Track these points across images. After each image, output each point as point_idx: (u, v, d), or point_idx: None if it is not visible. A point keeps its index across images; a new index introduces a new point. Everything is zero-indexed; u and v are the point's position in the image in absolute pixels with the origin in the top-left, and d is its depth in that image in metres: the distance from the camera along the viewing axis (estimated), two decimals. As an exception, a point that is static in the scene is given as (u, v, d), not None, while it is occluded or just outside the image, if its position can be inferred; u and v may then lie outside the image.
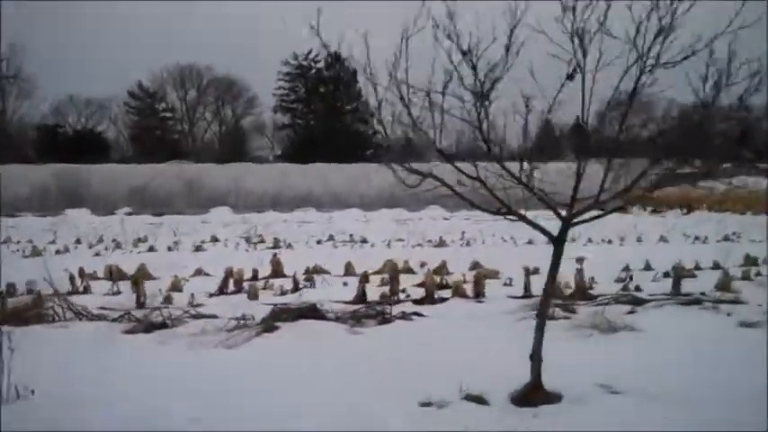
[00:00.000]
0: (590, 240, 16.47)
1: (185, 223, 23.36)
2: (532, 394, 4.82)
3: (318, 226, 21.92)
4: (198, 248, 14.70)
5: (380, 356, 5.88)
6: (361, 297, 8.25)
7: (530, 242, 15.90)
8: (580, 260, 8.72)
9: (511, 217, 4.88)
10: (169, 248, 14.98)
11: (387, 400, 4.78)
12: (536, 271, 10.54)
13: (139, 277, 8.46)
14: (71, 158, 34.83)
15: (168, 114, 67.73)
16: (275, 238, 16.15)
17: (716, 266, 10.93)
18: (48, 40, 68.58)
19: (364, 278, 8.83)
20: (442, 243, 15.46)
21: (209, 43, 78.08)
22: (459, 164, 4.91)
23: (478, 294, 8.71)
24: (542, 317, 4.91)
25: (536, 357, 4.89)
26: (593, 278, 9.60)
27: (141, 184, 29.46)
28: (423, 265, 10.72)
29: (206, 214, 27.32)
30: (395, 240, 16.67)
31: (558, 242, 4.83)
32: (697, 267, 10.95)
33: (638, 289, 8.97)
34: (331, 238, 16.67)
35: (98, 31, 78.52)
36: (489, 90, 4.54)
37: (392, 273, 8.65)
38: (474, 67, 4.53)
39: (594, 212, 4.94)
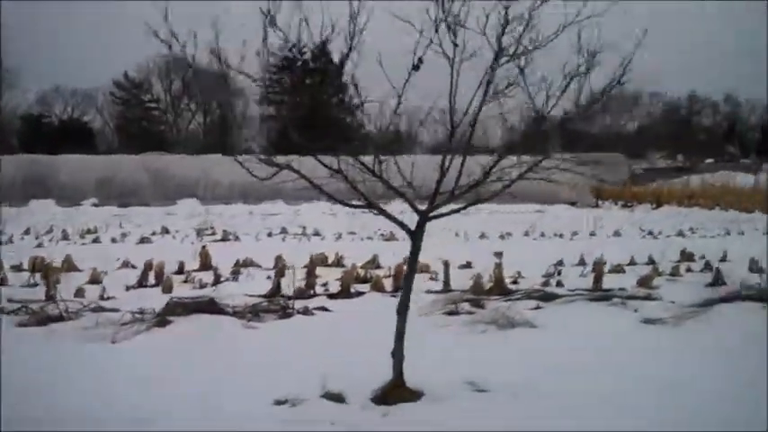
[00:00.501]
0: (542, 234, 16.39)
1: (148, 215, 23.13)
2: (392, 392, 4.73)
3: (283, 218, 21.73)
4: (143, 240, 14.51)
5: (260, 352, 5.79)
6: (274, 291, 8.12)
7: (482, 236, 15.82)
8: (498, 254, 8.61)
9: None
10: (113, 240, 14.78)
11: (242, 398, 4.68)
12: (468, 265, 10.50)
13: (50, 269, 8.29)
14: (56, 149, 34.45)
15: (153, 105, 67.42)
16: (224, 231, 15.98)
17: (650, 261, 10.88)
18: (34, 29, 67.99)
19: (280, 272, 8.70)
20: (392, 237, 15.35)
21: (196, 35, 77.51)
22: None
23: (398, 289, 8.58)
24: (402, 313, 4.82)
25: (397, 355, 4.80)
26: (519, 272, 9.53)
27: (110, 175, 29.15)
28: (340, 259, 10.54)
29: (173, 206, 27.05)
30: (347, 233, 16.52)
31: (415, 236, 4.73)
32: (631, 263, 10.88)
33: (559, 284, 8.90)
34: (283, 230, 16.49)
35: (85, 21, 77.97)
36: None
37: (310, 266, 8.52)
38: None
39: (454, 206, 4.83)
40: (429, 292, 8.44)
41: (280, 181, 4.64)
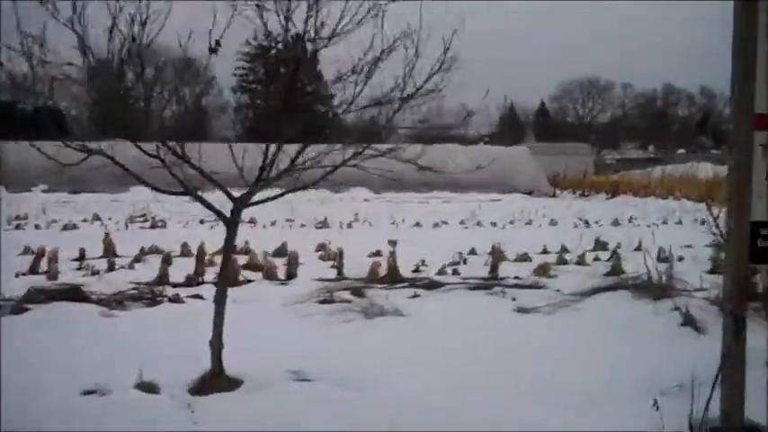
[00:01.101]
0: (479, 223, 16.35)
1: (94, 202, 22.80)
2: (210, 382, 4.61)
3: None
4: (66, 227, 14.25)
5: (104, 340, 5.63)
6: (160, 279, 7.96)
7: (417, 224, 15.74)
8: (393, 243, 8.51)
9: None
10: (37, 227, 14.52)
11: (53, 389, 4.52)
12: (378, 253, 10.39)
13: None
14: (30, 135, 33.84)
15: (127, 93, 66.56)
16: (152, 218, 15.77)
17: (563, 250, 10.84)
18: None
19: (166, 259, 8.54)
20: (324, 224, 15.23)
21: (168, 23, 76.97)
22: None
23: (290, 276, 8.48)
24: (219, 302, 4.70)
25: (215, 343, 4.68)
26: (423, 261, 9.44)
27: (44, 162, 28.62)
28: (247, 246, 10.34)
29: (124, 193, 26.69)
30: (285, 221, 16.38)
31: (230, 224, 4.60)
32: (544, 251, 10.84)
33: (456, 272, 8.82)
34: (203, 221, 16.35)
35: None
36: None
37: (199, 253, 8.37)
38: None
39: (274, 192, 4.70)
40: (320, 279, 8.31)
41: (87, 167, 4.45)
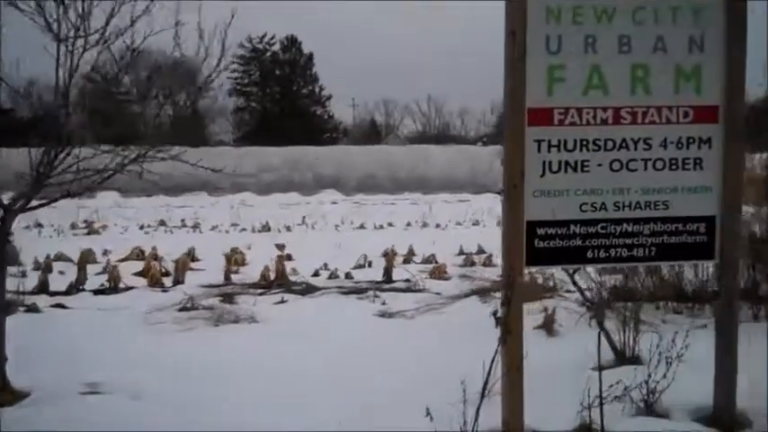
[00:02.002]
0: (425, 224, 16.20)
1: (60, 207, 22.66)
2: (-5, 396, 4.45)
3: (191, 211, 21.44)
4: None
5: None
6: (40, 287, 7.82)
7: (361, 227, 15.62)
8: (280, 246, 8.36)
9: None
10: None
11: None
12: (289, 257, 10.23)
13: None
14: (27, 142, 33.83)
15: (125, 98, 66.69)
16: (91, 224, 15.69)
17: (480, 251, 10.67)
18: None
19: (46, 267, 8.40)
20: (265, 228, 15.12)
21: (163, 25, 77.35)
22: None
23: (177, 282, 8.33)
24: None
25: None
26: (325, 264, 9.28)
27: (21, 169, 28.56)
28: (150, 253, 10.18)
29: (91, 199, 26.61)
30: (231, 225, 16.28)
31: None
32: (461, 253, 10.69)
33: (349, 276, 8.65)
34: (162, 223, 16.22)
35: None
36: None
37: (80, 262, 8.22)
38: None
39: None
40: (207, 285, 8.16)
41: None
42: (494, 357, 3.30)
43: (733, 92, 3.85)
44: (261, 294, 7.42)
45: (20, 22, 4.36)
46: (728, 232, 3.93)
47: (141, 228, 15.56)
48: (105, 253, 10.44)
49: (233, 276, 8.85)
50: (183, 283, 8.28)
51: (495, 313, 3.59)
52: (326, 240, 12.45)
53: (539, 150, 3.79)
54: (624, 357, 4.85)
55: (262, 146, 39.73)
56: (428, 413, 3.91)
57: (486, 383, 3.24)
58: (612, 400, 3.67)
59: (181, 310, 6.69)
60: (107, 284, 8.03)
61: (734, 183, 3.90)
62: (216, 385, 4.69)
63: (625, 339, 4.91)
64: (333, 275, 8.60)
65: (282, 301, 7.08)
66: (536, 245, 3.86)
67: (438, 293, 7.43)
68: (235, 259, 9.81)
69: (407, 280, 8.25)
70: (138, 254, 10.12)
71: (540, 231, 3.86)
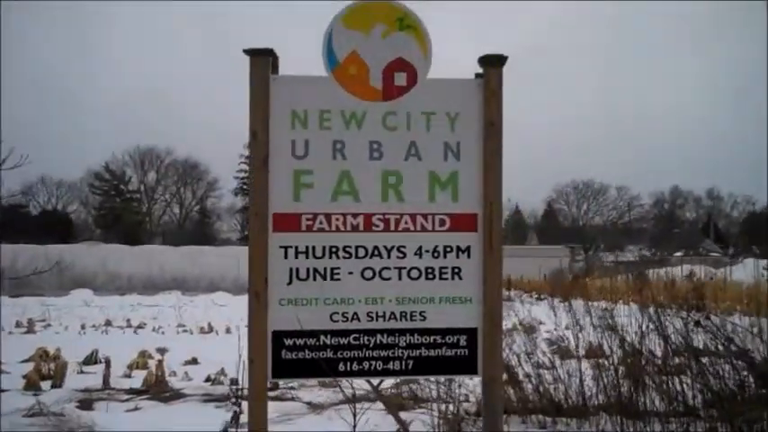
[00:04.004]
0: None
1: (22, 306, 22.52)
2: None
3: (157, 310, 21.22)
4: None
5: None
6: None
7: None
8: (161, 350, 8.11)
9: None
10: None
11: None
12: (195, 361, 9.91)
13: None
14: (35, 239, 34.36)
15: (132, 196, 68.48)
16: (29, 322, 15.52)
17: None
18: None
19: None
20: (209, 329, 14.85)
21: (171, 127, 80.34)
22: None
23: (54, 386, 8.05)
24: None
25: None
26: (222, 369, 8.96)
27: (7, 265, 28.77)
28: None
29: (65, 296, 26.58)
30: (177, 325, 16.01)
31: None
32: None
33: (234, 382, 8.32)
34: (108, 323, 16.05)
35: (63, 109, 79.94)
36: None
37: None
38: None
39: None
40: (83, 390, 7.86)
41: None
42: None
43: (491, 200, 3.76)
44: (126, 401, 7.12)
45: None
46: (490, 345, 3.72)
47: (83, 327, 15.30)
48: None
49: (125, 380, 8.57)
50: (60, 386, 7.99)
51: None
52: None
53: (285, 257, 3.67)
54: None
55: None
56: None
57: None
58: None
59: (31, 415, 6.39)
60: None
61: (494, 293, 3.74)
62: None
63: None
64: (216, 381, 8.28)
65: (136, 409, 6.77)
66: (283, 356, 3.67)
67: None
68: (137, 363, 9.54)
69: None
70: (41, 355, 9.85)
71: (288, 342, 3.67)
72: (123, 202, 67.06)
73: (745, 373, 5.23)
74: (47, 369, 8.62)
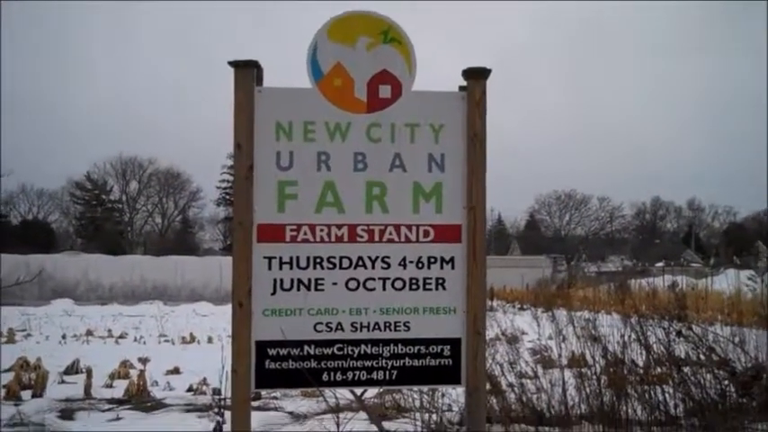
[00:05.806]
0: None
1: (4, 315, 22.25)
2: None
3: (137, 320, 21.02)
4: None
5: None
6: None
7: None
8: (143, 360, 8.06)
9: None
10: None
11: None
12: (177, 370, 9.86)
13: None
14: (16, 249, 33.97)
15: (114, 206, 67.95)
16: (10, 331, 15.34)
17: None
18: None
19: None
20: (191, 339, 14.73)
21: (154, 137, 79.97)
22: None
23: (35, 395, 7.96)
24: None
25: None
26: (204, 379, 8.91)
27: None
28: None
29: (46, 306, 26.27)
30: (159, 335, 15.89)
31: None
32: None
33: (216, 392, 8.28)
34: (89, 333, 15.90)
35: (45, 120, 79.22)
36: None
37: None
38: None
39: None
40: (65, 400, 7.78)
41: None
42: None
43: (475, 211, 3.78)
44: (107, 411, 7.06)
45: None
46: (473, 355, 3.74)
47: (64, 337, 15.14)
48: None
49: (106, 390, 8.50)
50: (41, 396, 7.90)
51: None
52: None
53: (269, 267, 3.67)
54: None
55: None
56: None
57: None
58: None
59: (8, 425, 6.32)
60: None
61: (477, 304, 3.76)
62: None
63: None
64: (198, 391, 8.24)
65: (118, 419, 6.71)
66: (266, 366, 3.67)
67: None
68: (118, 372, 9.45)
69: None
70: (21, 364, 9.73)
71: (271, 352, 3.67)
72: (105, 212, 66.60)
73: (726, 382, 5.30)
74: (27, 379, 8.52)
